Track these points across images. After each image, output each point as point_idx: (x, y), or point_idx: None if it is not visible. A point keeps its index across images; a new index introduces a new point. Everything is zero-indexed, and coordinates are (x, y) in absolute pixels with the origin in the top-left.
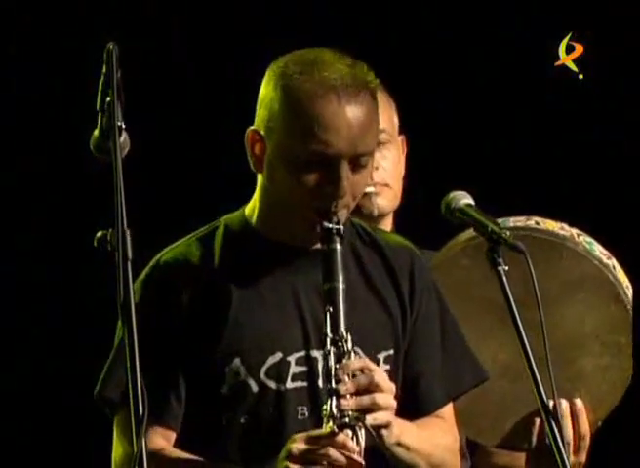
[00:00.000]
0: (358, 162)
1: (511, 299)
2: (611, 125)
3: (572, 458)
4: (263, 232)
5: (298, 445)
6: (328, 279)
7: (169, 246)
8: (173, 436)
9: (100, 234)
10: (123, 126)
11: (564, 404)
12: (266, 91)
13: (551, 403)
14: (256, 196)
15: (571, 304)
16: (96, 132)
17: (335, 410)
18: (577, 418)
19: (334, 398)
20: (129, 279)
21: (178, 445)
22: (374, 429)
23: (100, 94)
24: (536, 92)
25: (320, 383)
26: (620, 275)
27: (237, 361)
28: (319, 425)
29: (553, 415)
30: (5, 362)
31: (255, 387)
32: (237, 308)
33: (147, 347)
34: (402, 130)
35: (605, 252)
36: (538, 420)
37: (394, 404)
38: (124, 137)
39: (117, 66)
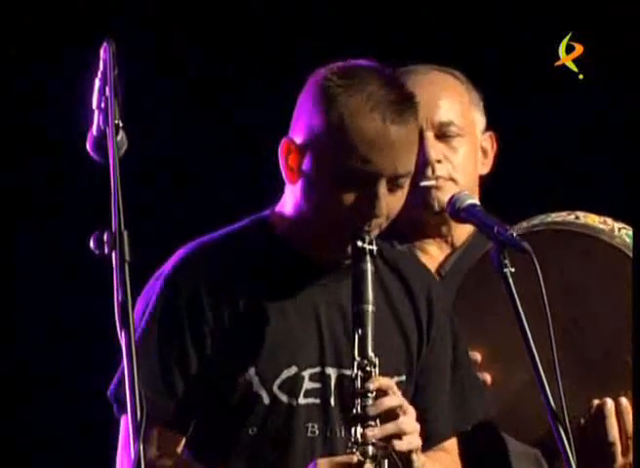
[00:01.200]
0: (396, 182)
1: (517, 302)
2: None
3: (620, 459)
4: (290, 243)
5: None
6: (358, 301)
7: (198, 238)
8: (182, 441)
9: (96, 235)
10: (120, 124)
11: (609, 403)
12: (307, 102)
13: (596, 402)
14: (286, 206)
15: (609, 299)
16: (92, 130)
17: (359, 437)
18: (622, 417)
19: (359, 425)
20: (127, 281)
21: (185, 451)
22: (403, 454)
23: (96, 92)
24: (535, 92)
25: (332, 402)
26: None
27: (252, 371)
28: (328, 444)
29: (561, 421)
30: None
31: (267, 399)
32: (257, 318)
33: (164, 348)
34: (490, 127)
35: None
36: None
37: (418, 427)
38: (121, 136)
39: (114, 64)
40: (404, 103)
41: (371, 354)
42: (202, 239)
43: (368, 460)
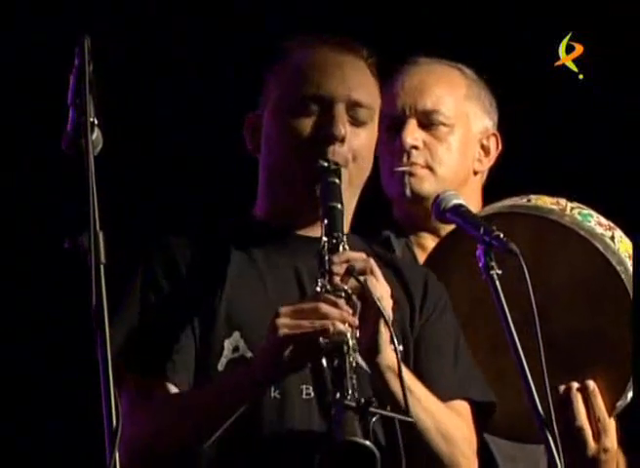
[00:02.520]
0: (356, 114)
1: (504, 305)
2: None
3: (593, 444)
4: (266, 220)
5: (286, 307)
6: (326, 201)
7: None
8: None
9: (71, 236)
10: (95, 122)
11: (574, 387)
12: (266, 68)
13: (562, 387)
14: (260, 188)
15: (565, 277)
16: (67, 128)
17: (328, 287)
18: (590, 401)
19: (326, 276)
20: (102, 284)
21: None
22: (373, 307)
23: (71, 88)
24: (535, 91)
25: (324, 362)
26: (622, 244)
27: (237, 334)
28: (324, 405)
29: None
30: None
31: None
32: (237, 283)
33: (151, 314)
34: (499, 128)
35: (605, 223)
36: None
37: (389, 291)
38: (96, 134)
39: (89, 59)
40: (356, 55)
41: (339, 233)
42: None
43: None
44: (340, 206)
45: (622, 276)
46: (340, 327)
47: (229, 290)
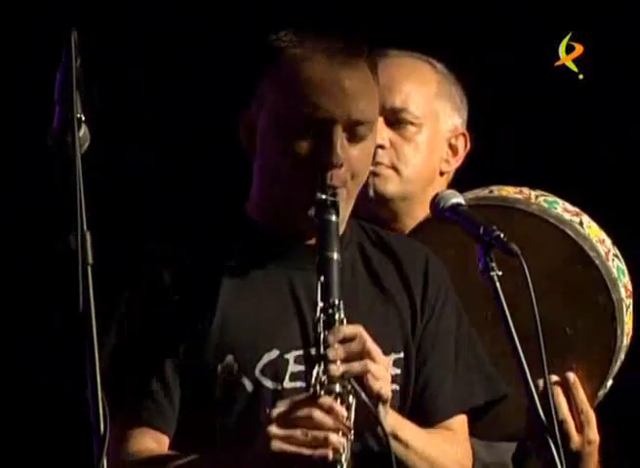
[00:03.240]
0: (354, 131)
1: (505, 306)
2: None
3: (576, 437)
4: (260, 222)
5: (279, 408)
6: (321, 249)
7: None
8: (166, 440)
9: (58, 237)
10: (83, 118)
11: (554, 380)
12: (259, 66)
13: (541, 382)
14: (253, 187)
15: (535, 268)
16: (53, 125)
17: (322, 377)
18: (572, 393)
19: (322, 364)
20: (89, 285)
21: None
22: (369, 398)
23: (57, 84)
24: (535, 91)
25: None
26: (591, 230)
27: (230, 358)
28: None
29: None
30: None
31: (249, 386)
32: (228, 301)
33: (134, 343)
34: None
35: (572, 209)
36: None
37: (388, 377)
38: (84, 131)
39: (76, 54)
40: (355, 51)
41: (335, 299)
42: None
43: (332, 397)
44: (336, 255)
45: (596, 262)
46: (334, 440)
47: (222, 310)
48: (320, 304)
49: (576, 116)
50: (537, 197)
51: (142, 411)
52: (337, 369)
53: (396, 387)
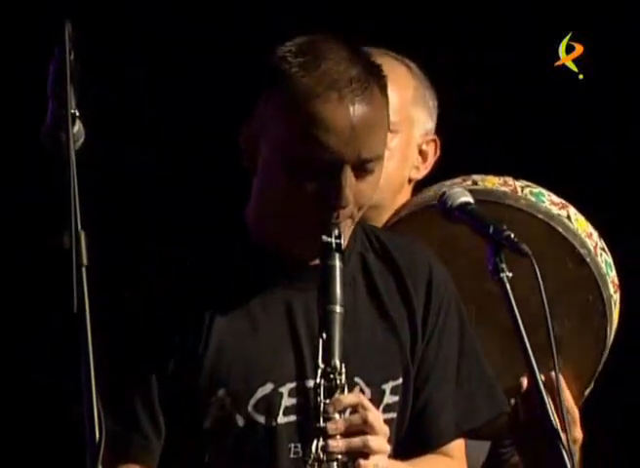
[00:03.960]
0: (363, 168)
1: (515, 308)
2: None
3: (562, 436)
4: (259, 241)
5: None
6: (324, 301)
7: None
8: None
9: (52, 237)
10: (77, 114)
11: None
12: (263, 82)
13: (524, 380)
14: (252, 202)
15: (521, 264)
16: (46, 121)
17: (321, 453)
18: (557, 392)
19: (320, 438)
20: (84, 287)
21: None
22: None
23: (50, 77)
24: (535, 91)
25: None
26: (579, 224)
27: (222, 392)
28: None
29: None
30: None
31: (241, 422)
32: (223, 331)
33: (119, 371)
34: (436, 131)
35: (558, 201)
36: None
37: (388, 448)
38: (78, 127)
39: (71, 46)
40: (367, 79)
41: (337, 361)
42: (167, 249)
43: None
44: (339, 309)
45: (587, 259)
46: None
47: (217, 334)
48: (321, 366)
49: (576, 116)
50: (522, 189)
51: (130, 447)
52: (336, 445)
53: (393, 415)
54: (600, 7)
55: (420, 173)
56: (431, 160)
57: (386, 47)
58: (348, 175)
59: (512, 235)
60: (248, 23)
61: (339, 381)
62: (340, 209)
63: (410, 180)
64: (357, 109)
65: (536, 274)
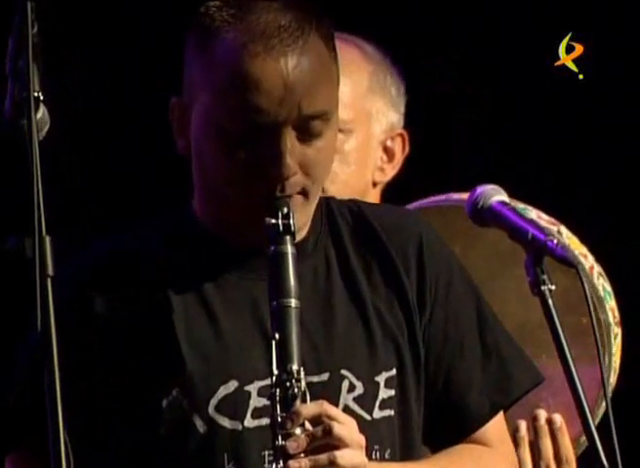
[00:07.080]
0: (308, 128)
1: (558, 324)
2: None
3: None
4: (211, 228)
5: None
6: (275, 295)
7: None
8: None
9: (11, 242)
10: (41, 97)
11: (543, 417)
12: (188, 47)
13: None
14: (195, 186)
15: (510, 284)
16: (5, 105)
17: None
18: (557, 439)
19: (280, 461)
20: (49, 300)
21: None
22: None
23: (9, 54)
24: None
25: None
26: (571, 242)
27: (176, 392)
28: None
29: None
30: None
31: (202, 426)
32: (176, 324)
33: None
34: (405, 123)
35: (547, 217)
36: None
37: (362, 461)
38: (42, 113)
39: (33, 18)
40: (300, 27)
41: (294, 366)
42: (110, 237)
43: None
44: (294, 302)
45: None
46: None
47: (168, 332)
48: (275, 372)
49: (576, 116)
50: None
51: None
52: (298, 467)
53: (391, 413)
54: (600, 7)
55: (387, 174)
56: (399, 157)
57: (386, 47)
58: (288, 139)
59: (556, 241)
60: None
61: (296, 389)
62: (282, 179)
63: (375, 184)
64: (289, 61)
65: (584, 288)
